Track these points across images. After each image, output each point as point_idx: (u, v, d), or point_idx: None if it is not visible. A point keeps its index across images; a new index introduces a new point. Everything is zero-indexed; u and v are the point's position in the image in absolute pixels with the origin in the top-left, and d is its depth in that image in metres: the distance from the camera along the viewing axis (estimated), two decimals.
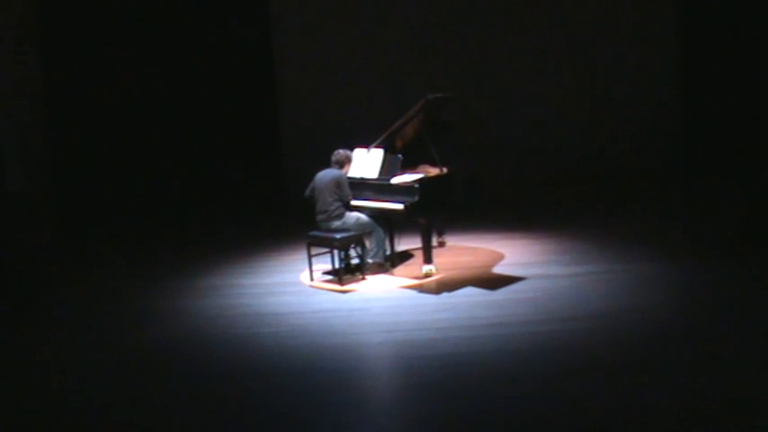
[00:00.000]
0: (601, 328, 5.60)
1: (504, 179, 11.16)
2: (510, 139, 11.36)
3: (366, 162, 7.40)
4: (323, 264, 7.32)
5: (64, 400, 4.95)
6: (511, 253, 7.87)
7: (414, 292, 6.75)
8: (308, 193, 7.32)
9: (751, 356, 4.92)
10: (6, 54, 9.99)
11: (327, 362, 5.28)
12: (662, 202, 10.26)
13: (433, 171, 7.26)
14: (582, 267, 7.18)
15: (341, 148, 7.38)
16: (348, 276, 7.16)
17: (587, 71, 11.41)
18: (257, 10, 11.42)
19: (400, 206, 6.92)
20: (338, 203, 7.11)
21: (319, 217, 7.19)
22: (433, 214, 7.14)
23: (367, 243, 7.24)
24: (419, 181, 6.98)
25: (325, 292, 6.95)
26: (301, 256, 7.56)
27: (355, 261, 7.44)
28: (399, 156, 7.28)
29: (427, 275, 7.08)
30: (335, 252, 7.14)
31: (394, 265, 7.45)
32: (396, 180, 7.13)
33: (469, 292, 6.63)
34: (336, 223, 7.11)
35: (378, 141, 7.44)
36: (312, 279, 7.23)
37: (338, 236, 7.02)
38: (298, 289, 7.09)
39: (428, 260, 7.12)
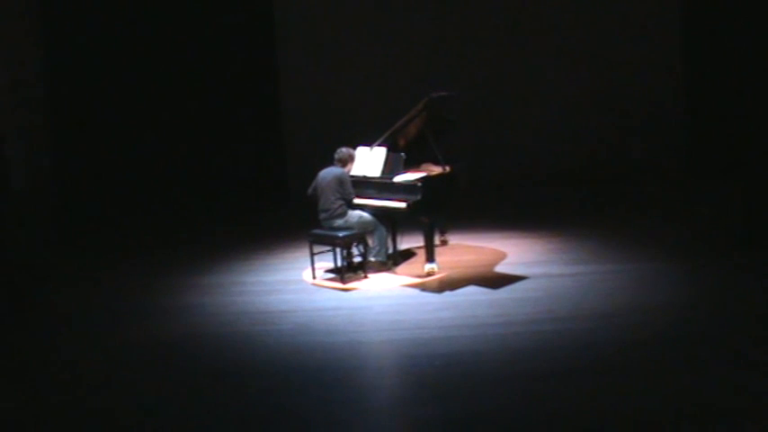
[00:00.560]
0: (603, 327, 5.60)
1: (507, 178, 11.16)
2: (514, 138, 11.37)
3: (369, 160, 7.40)
4: (325, 262, 7.32)
5: (65, 399, 4.94)
6: (513, 252, 7.86)
7: (416, 291, 6.74)
8: (310, 191, 7.32)
9: (752, 357, 4.91)
10: (7, 54, 9.99)
11: (329, 360, 5.28)
12: (665, 202, 10.24)
13: (436, 170, 7.25)
14: (584, 267, 7.17)
15: (344, 146, 7.38)
16: (350, 275, 7.15)
17: (590, 71, 11.39)
18: (261, 8, 11.41)
19: (403, 205, 6.92)
20: (341, 202, 7.10)
21: (322, 215, 7.19)
22: (435, 213, 7.14)
23: (369, 241, 7.23)
24: (422, 179, 6.98)
25: (327, 290, 6.94)
26: (304, 254, 7.56)
27: (357, 259, 7.43)
28: (402, 154, 7.28)
29: (429, 274, 7.07)
30: (338, 250, 7.13)
31: (396, 264, 7.45)
32: (398, 179, 7.13)
33: (472, 291, 6.63)
34: (339, 221, 7.10)
35: (380, 140, 7.44)
36: (314, 277, 7.22)
37: (340, 234, 7.02)
38: (300, 287, 7.09)
39: (430, 259, 7.12)
